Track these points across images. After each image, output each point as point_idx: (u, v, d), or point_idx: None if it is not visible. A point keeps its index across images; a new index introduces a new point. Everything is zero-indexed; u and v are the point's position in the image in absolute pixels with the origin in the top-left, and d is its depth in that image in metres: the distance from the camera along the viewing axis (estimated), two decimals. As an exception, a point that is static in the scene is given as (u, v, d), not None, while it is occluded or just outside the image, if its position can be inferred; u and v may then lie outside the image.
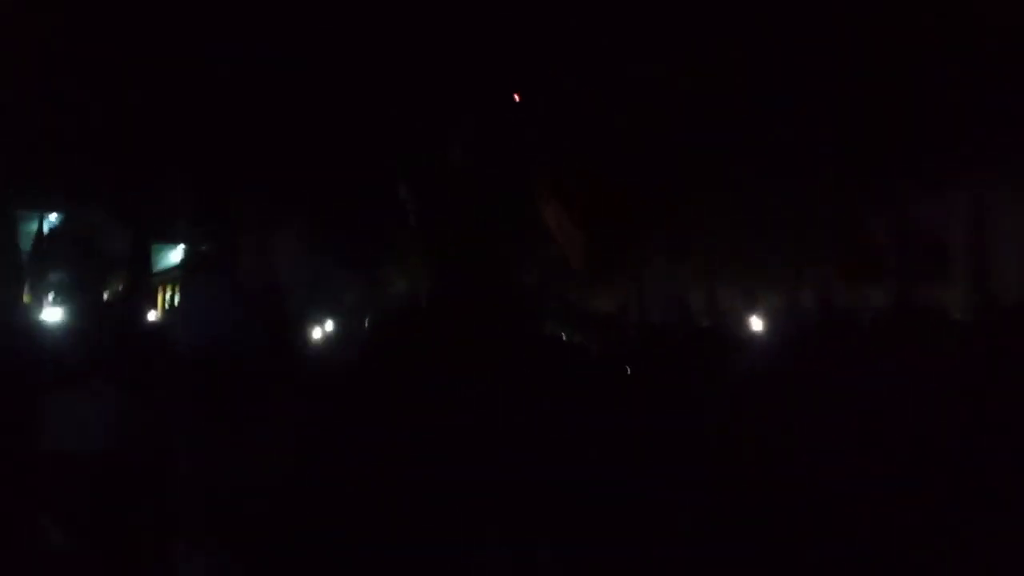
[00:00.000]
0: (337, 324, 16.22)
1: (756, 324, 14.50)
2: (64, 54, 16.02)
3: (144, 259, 21.68)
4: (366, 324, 11.23)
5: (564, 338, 13.94)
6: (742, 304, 19.60)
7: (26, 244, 21.82)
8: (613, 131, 16.77)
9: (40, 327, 13.04)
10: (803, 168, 16.59)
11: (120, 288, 22.02)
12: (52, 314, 16.48)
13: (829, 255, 19.04)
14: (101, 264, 21.26)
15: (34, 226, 22.22)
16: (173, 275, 24.31)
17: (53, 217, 22.53)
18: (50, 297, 20.80)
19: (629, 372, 10.83)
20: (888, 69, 15.87)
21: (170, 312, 19.53)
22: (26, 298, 20.76)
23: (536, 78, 14.05)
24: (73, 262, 20.89)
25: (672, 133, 16.85)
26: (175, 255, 23.36)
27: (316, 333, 15.09)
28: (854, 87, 16.09)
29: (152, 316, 17.11)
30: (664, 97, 16.42)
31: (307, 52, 15.69)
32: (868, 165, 16.61)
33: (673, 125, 16.74)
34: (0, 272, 20.21)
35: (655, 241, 18.89)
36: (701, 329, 16.13)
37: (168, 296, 25.43)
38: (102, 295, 21.75)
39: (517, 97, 12.58)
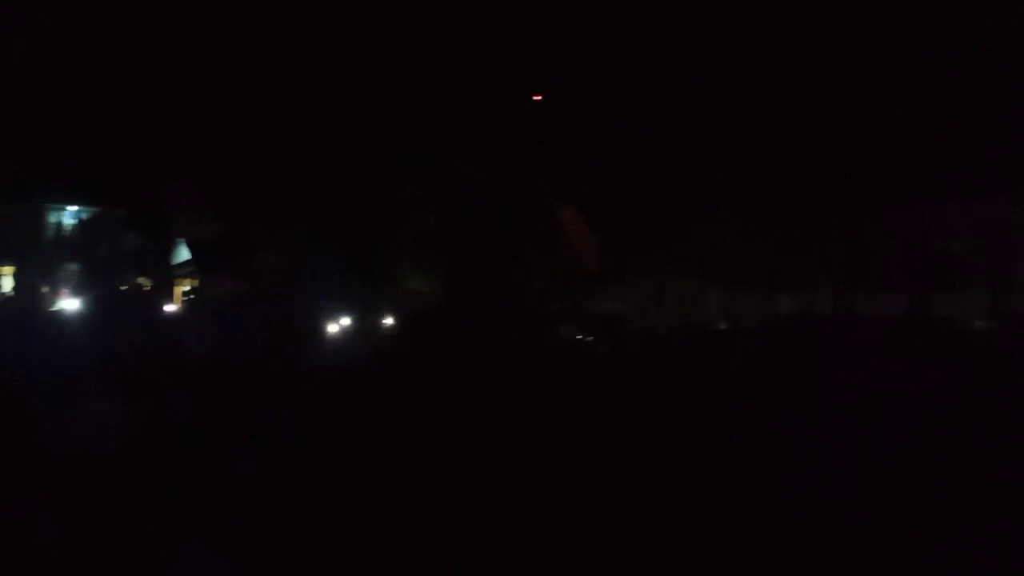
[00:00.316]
0: (352, 322, 16.29)
1: (769, 328, 14.43)
2: (89, 57, 16.24)
3: (163, 253, 21.85)
4: (392, 324, 11.28)
5: (575, 339, 13.96)
6: (756, 308, 19.52)
7: (48, 236, 22.17)
8: (627, 135, 16.77)
9: (56, 316, 13.20)
10: (816, 176, 16.52)
11: (138, 281, 22.23)
12: (69, 303, 16.71)
13: (841, 263, 18.95)
14: (120, 257, 21.46)
15: (55, 218, 22.53)
16: (190, 269, 24.45)
17: (74, 210, 22.81)
18: (68, 287, 21.04)
19: (638, 373, 10.81)
20: (900, 77, 15.80)
21: (186, 308, 19.66)
22: (44, 288, 21.02)
23: (548, 82, 14.08)
24: (92, 255, 21.12)
25: (685, 138, 16.84)
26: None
27: (332, 328, 15.17)
28: (868, 96, 16.02)
29: (170, 308, 17.28)
30: (678, 103, 16.42)
31: (325, 55, 15.84)
32: (880, 174, 16.53)
33: (687, 130, 16.73)
34: (21, 262, 20.55)
35: (668, 244, 18.86)
36: (713, 332, 16.11)
37: (187, 289, 25.57)
38: (119, 287, 21.96)
39: (537, 98, 12.57)
